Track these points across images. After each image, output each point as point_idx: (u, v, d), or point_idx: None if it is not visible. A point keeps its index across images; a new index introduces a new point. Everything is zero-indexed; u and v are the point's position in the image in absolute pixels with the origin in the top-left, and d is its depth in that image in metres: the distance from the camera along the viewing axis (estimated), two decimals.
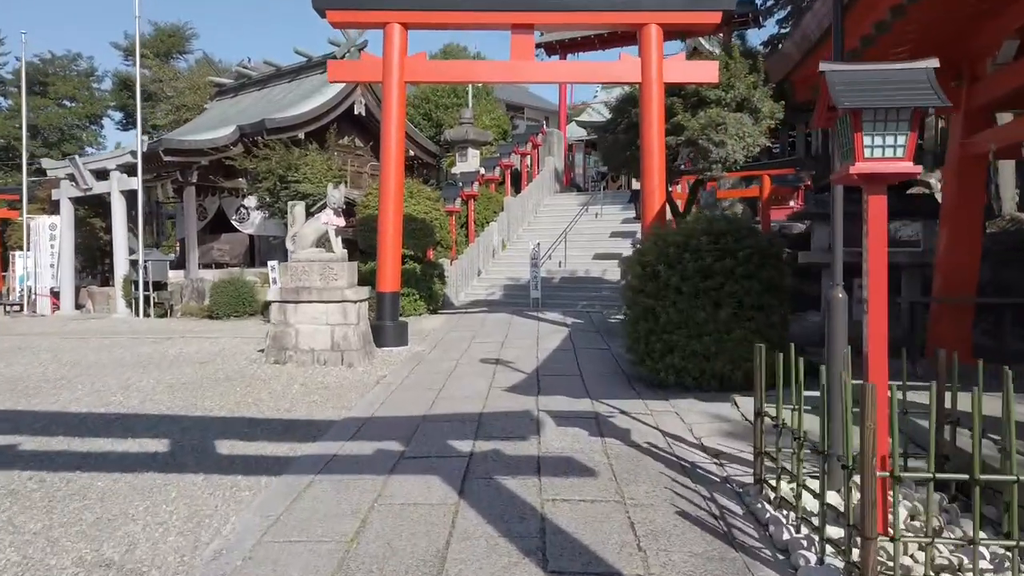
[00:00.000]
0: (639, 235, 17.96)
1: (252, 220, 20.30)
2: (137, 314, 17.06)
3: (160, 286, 17.53)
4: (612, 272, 16.40)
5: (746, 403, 6.89)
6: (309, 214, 10.79)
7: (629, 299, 7.83)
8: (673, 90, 10.97)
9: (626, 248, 17.31)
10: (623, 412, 6.56)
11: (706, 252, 7.28)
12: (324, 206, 9.76)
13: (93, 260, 22.49)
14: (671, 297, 7.38)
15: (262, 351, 9.86)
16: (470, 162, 20.32)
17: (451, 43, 42.53)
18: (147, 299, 17.06)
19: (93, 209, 21.13)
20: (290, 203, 17.29)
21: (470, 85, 23.92)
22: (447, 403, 6.97)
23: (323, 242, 9.76)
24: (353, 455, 5.36)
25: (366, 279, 12.64)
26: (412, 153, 22.42)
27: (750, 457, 5.28)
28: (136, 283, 17.18)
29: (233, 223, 20.69)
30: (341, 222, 9.72)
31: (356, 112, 20.65)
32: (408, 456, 5.28)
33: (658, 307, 7.46)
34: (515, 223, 19.65)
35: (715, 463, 5.19)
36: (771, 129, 11.27)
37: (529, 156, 21.19)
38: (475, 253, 17.74)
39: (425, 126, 24.11)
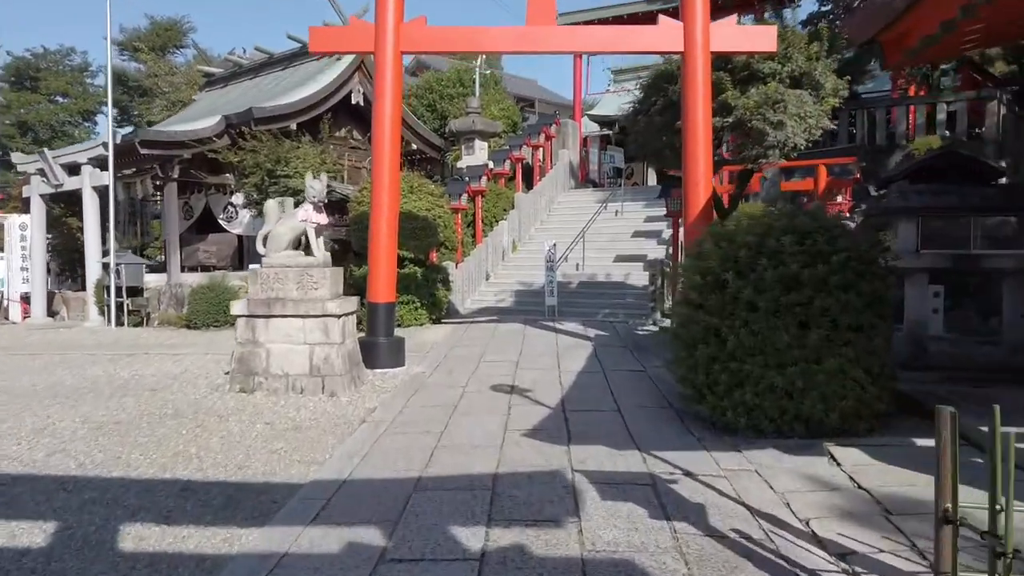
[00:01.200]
0: (666, 234, 16.29)
1: (240, 219, 18.67)
2: (110, 323, 15.43)
3: (136, 292, 15.89)
4: (636, 276, 14.69)
5: (848, 457, 5.18)
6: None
7: (684, 316, 6.12)
8: (717, 63, 9.24)
9: (651, 249, 15.61)
10: (687, 473, 4.85)
11: (789, 256, 5.57)
12: (321, 202, 8.08)
13: (72, 263, 20.89)
14: (742, 315, 5.67)
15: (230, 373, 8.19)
16: (477, 155, 18.59)
17: None
18: (121, 306, 15.41)
19: (70, 207, 19.52)
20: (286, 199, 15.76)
21: (477, 73, 22.20)
22: (450, 456, 5.28)
23: (302, 244, 8.09)
24: (311, 554, 3.67)
25: (360, 286, 11.00)
26: (415, 146, 20.76)
27: (896, 562, 3.59)
28: (109, 288, 15.54)
29: (220, 222, 19.06)
30: (323, 219, 8.04)
31: (354, 102, 18.97)
32: (391, 559, 3.59)
33: (724, 327, 5.75)
34: (527, 222, 17.95)
35: (848, 575, 3.47)
36: (833, 109, 9.53)
37: (542, 149, 19.45)
38: (483, 255, 16.05)
39: (429, 118, 22.40)
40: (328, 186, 14.81)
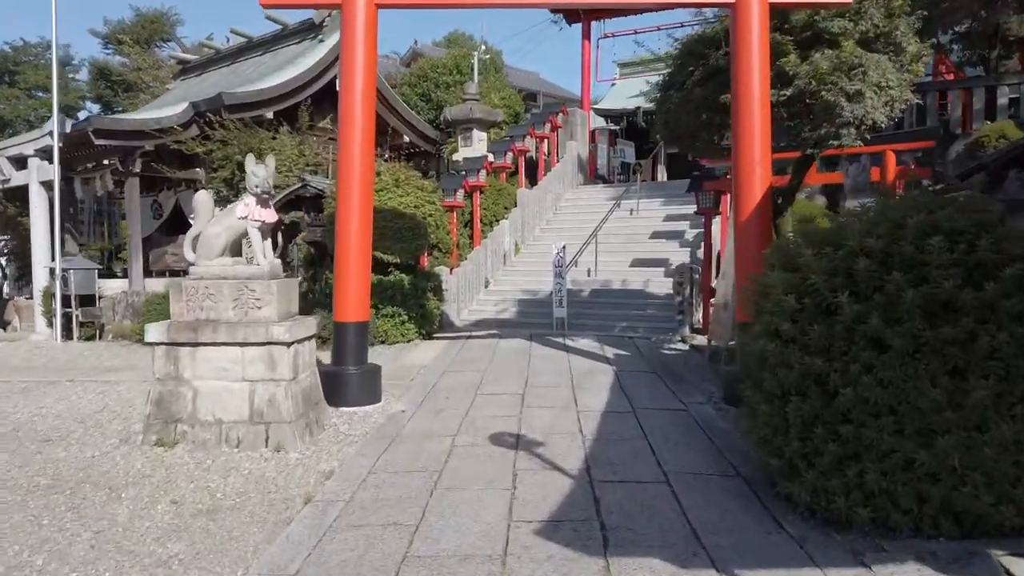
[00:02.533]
0: (690, 235, 14.42)
1: None
2: (57, 336, 13.56)
3: (88, 300, 14.03)
4: (657, 283, 12.83)
5: None
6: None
7: (768, 353, 4.24)
8: (772, 22, 7.36)
9: (673, 252, 13.72)
10: None
11: (938, 269, 3.71)
12: (266, 194, 6.23)
13: (30, 268, 19.00)
14: (863, 355, 3.82)
15: None
16: (475, 146, 16.69)
17: (456, 30, 39.16)
18: (69, 317, 13.56)
19: (25, 207, 17.65)
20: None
21: (476, 57, 20.31)
22: (425, 573, 3.42)
23: (244, 248, 6.24)
24: None
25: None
26: (407, 139, 18.91)
27: None
28: (64, 296, 13.69)
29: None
30: (270, 216, 6.18)
31: (339, 88, 17.07)
32: None
33: (833, 373, 3.90)
34: (531, 221, 16.06)
35: None
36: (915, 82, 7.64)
37: (547, 140, 17.53)
38: (482, 259, 14.17)
39: (423, 108, 20.51)
40: (302, 180, 13.03)
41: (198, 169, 16.40)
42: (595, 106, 24.95)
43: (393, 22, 75.68)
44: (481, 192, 14.84)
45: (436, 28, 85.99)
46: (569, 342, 10.63)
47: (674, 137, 8.65)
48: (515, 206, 15.76)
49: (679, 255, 13.31)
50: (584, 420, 6.29)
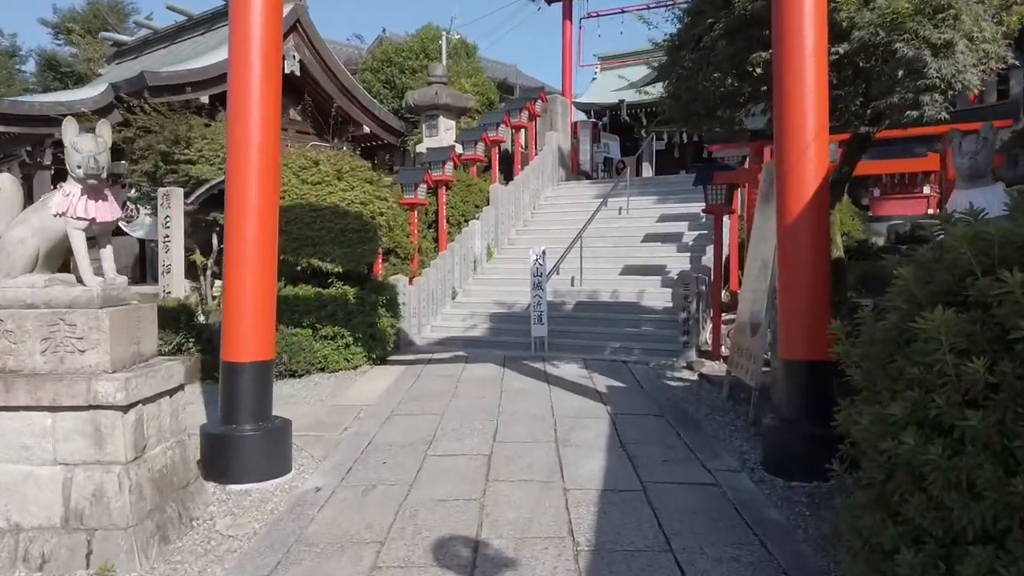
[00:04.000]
0: (688, 238, 12.56)
1: (142, 220, 14.59)
2: None
3: None
4: (653, 295, 10.95)
5: None
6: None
7: (928, 464, 2.30)
8: None
9: (670, 258, 11.85)
10: None
11: None
12: (94, 179, 4.18)
13: None
14: None
15: None
16: (442, 136, 14.70)
17: (429, 23, 37.13)
18: None
19: None
20: (173, 189, 12.43)
21: (444, 38, 18.34)
22: None
23: (62, 261, 4.21)
24: None
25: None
26: (367, 130, 16.95)
27: None
28: None
29: (119, 224, 14.99)
30: (109, 213, 4.17)
31: (287, 70, 15.03)
32: None
33: None
34: (506, 222, 14.11)
35: None
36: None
37: (525, 130, 15.59)
38: (448, 265, 12.19)
39: (386, 96, 18.52)
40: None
41: (123, 162, 14.25)
42: (576, 100, 23.11)
43: (363, 11, 73.12)
44: (447, 188, 12.87)
45: (407, 20, 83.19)
46: (550, 369, 8.71)
47: (686, 114, 6.72)
48: (487, 204, 13.79)
49: (677, 262, 11.44)
50: (575, 509, 4.34)
